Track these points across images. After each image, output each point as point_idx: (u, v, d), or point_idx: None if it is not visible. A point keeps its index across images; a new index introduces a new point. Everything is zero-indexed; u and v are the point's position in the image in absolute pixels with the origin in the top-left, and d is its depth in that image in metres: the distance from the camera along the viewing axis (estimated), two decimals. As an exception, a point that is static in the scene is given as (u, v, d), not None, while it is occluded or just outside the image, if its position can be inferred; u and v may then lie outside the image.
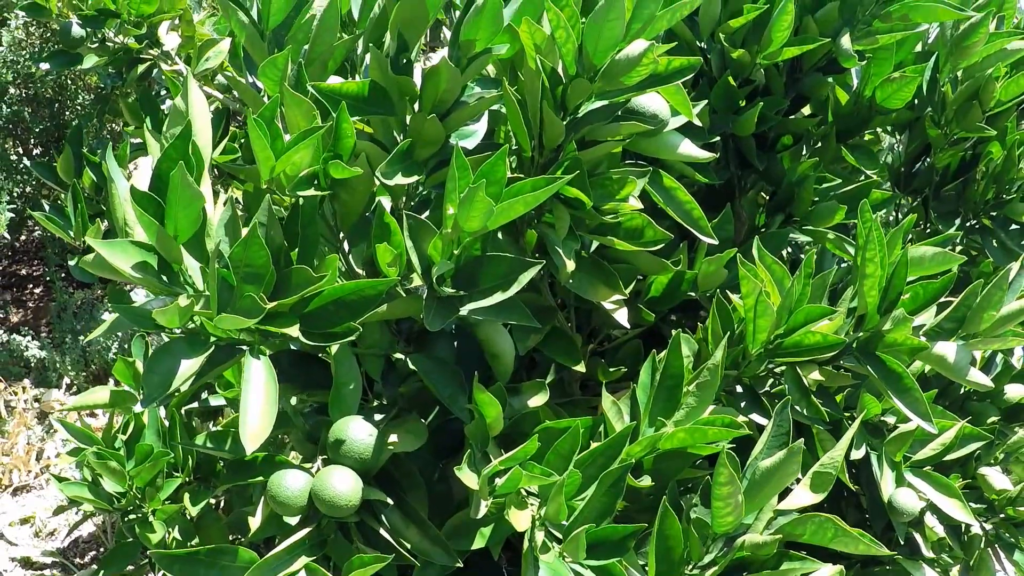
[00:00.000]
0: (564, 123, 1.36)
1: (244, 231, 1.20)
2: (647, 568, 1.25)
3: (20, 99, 4.35)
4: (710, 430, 1.30)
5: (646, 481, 1.33)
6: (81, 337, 4.23)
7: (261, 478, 1.35)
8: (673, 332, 1.47)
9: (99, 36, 2.36)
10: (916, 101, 2.15)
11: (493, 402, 1.27)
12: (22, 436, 4.02)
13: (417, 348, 1.47)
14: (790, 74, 2.02)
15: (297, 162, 1.24)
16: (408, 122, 1.38)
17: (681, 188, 1.60)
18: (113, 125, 4.81)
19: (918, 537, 1.82)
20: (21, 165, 4.39)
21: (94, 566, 3.49)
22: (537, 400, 1.44)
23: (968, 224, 2.25)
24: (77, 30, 2.33)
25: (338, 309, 1.24)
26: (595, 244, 1.60)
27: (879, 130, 2.40)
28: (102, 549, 3.60)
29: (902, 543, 1.76)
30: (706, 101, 1.76)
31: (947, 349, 1.57)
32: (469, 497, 1.35)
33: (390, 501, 1.31)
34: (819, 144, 2.14)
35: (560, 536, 1.28)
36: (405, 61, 1.36)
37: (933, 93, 2.12)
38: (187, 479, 1.98)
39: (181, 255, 1.20)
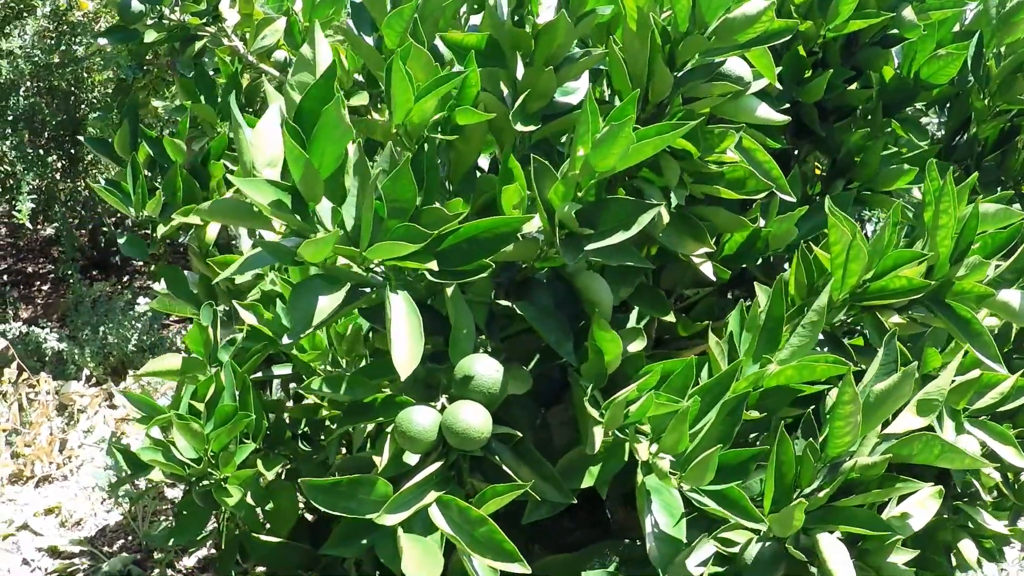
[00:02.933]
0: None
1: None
2: (763, 493, 1.31)
3: (36, 91, 4.37)
4: (818, 367, 1.36)
5: (755, 414, 1.39)
6: (102, 328, 4.24)
7: (381, 418, 1.39)
8: (757, 285, 1.55)
9: (157, 12, 2.39)
10: (957, 77, 2.24)
11: (615, 339, 1.32)
12: (44, 427, 4.03)
13: (518, 297, 1.52)
14: (845, 47, 2.09)
15: (426, 109, 1.29)
16: (521, 75, 1.43)
17: (760, 149, 1.66)
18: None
19: (976, 484, 1.89)
20: (37, 158, 4.40)
21: (124, 554, 3.50)
22: (636, 345, 1.50)
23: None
24: (136, 5, 2.37)
25: (471, 247, 1.29)
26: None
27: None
28: (130, 537, 3.62)
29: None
30: (779, 69, 1.82)
31: (1011, 296, 1.65)
32: (581, 435, 1.40)
33: (519, 434, 1.35)
34: (868, 117, 2.22)
35: (670, 468, 1.33)
36: (517, 17, 1.41)
37: (977, 68, 2.20)
38: (259, 446, 2.02)
39: (321, 192, 1.24)
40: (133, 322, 4.45)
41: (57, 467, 4.00)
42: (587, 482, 1.43)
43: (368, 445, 1.92)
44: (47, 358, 4.50)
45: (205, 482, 1.98)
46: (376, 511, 1.26)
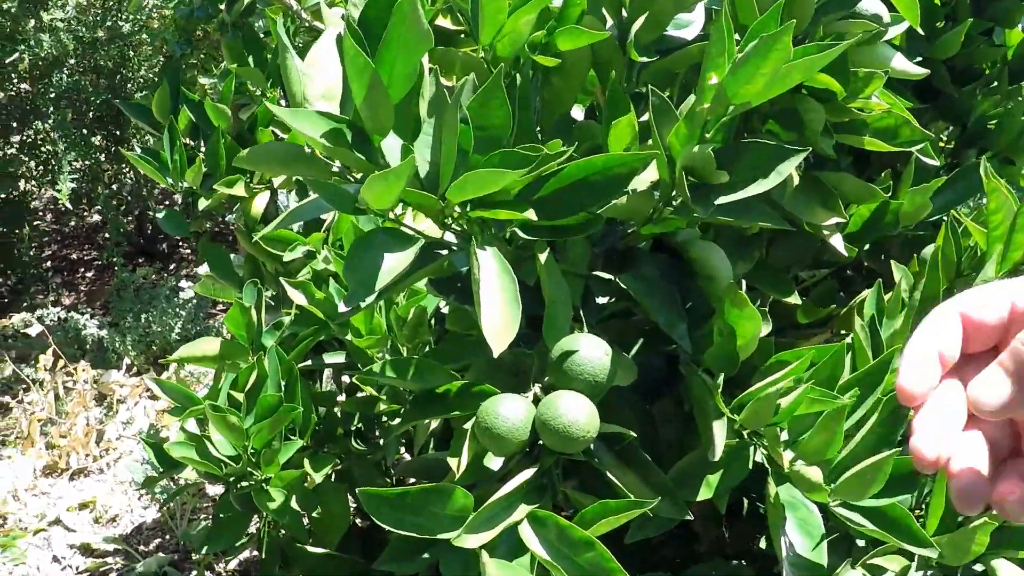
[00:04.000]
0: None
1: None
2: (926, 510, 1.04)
3: (81, 69, 4.18)
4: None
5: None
6: (145, 316, 4.03)
7: (457, 412, 1.14)
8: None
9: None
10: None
11: (753, 316, 1.06)
12: (80, 418, 3.83)
13: (619, 269, 1.26)
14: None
15: (521, 26, 1.04)
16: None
17: (898, 103, 1.40)
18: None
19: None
20: (80, 138, 4.21)
21: (160, 554, 3.29)
22: (763, 330, 1.23)
23: None
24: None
25: (576, 194, 1.03)
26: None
27: None
28: (167, 536, 3.40)
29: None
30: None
31: None
32: (701, 436, 1.14)
33: (632, 434, 1.09)
34: (994, 84, 1.96)
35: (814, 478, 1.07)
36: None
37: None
38: (306, 443, 1.77)
39: (390, 121, 1.00)
40: (177, 310, 4.24)
41: (93, 459, 3.80)
42: (704, 494, 1.17)
43: (431, 445, 1.66)
44: (87, 346, 4.30)
45: (244, 483, 1.74)
46: (453, 529, 1.00)
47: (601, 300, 1.32)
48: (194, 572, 3.21)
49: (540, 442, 1.07)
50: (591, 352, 1.05)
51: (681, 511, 1.15)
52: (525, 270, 1.19)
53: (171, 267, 5.30)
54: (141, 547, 3.37)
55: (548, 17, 1.11)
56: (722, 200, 1.06)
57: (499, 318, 0.95)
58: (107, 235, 4.49)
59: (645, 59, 1.15)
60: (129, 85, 4.32)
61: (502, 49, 1.06)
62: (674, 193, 1.13)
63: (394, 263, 0.99)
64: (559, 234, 1.04)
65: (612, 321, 1.33)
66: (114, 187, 4.65)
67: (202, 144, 2.24)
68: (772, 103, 1.17)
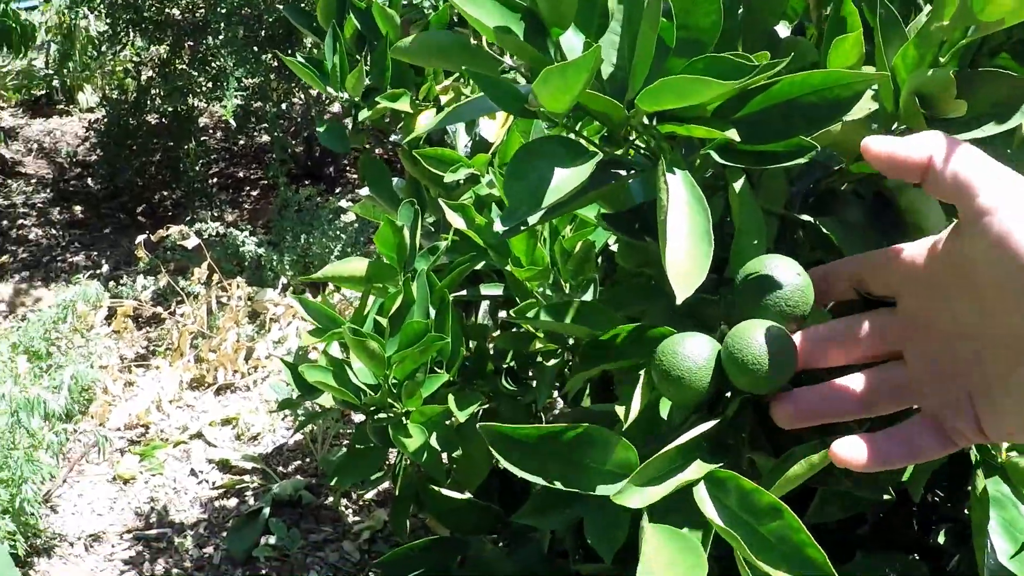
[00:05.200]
0: None
1: None
2: None
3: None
4: None
5: None
6: (304, 236, 3.98)
7: (625, 362, 0.96)
8: None
9: None
10: None
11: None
12: (231, 333, 3.82)
13: (819, 212, 1.06)
14: None
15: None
16: None
17: None
18: None
19: None
20: (251, 54, 4.16)
21: (298, 477, 3.24)
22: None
23: None
24: None
25: (786, 115, 0.84)
26: None
27: None
28: (308, 459, 3.36)
29: None
30: None
31: None
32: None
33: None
34: None
35: None
36: None
37: None
38: (453, 378, 1.63)
39: (573, 11, 0.82)
40: (338, 232, 4.18)
41: (241, 376, 3.79)
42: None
43: (589, 393, 1.49)
44: (245, 263, 4.30)
45: (383, 415, 1.61)
46: (611, 484, 0.82)
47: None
48: (330, 498, 3.16)
49: (727, 394, 0.88)
50: (786, 275, 0.84)
51: (880, 491, 0.94)
52: (713, 203, 1.00)
53: (336, 191, 5.26)
54: (280, 468, 3.33)
55: None
56: (962, 136, 0.84)
57: (687, 256, 0.77)
58: (273, 155, 4.46)
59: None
60: (302, 3, 4.24)
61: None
62: (896, 126, 0.92)
63: (566, 178, 0.82)
64: (762, 161, 0.84)
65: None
66: (283, 107, 4.60)
67: (368, 58, 2.11)
68: (1010, 32, 0.95)
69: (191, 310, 3.90)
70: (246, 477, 3.26)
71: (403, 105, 2.00)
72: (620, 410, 0.95)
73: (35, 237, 5.08)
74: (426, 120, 2.06)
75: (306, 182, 5.04)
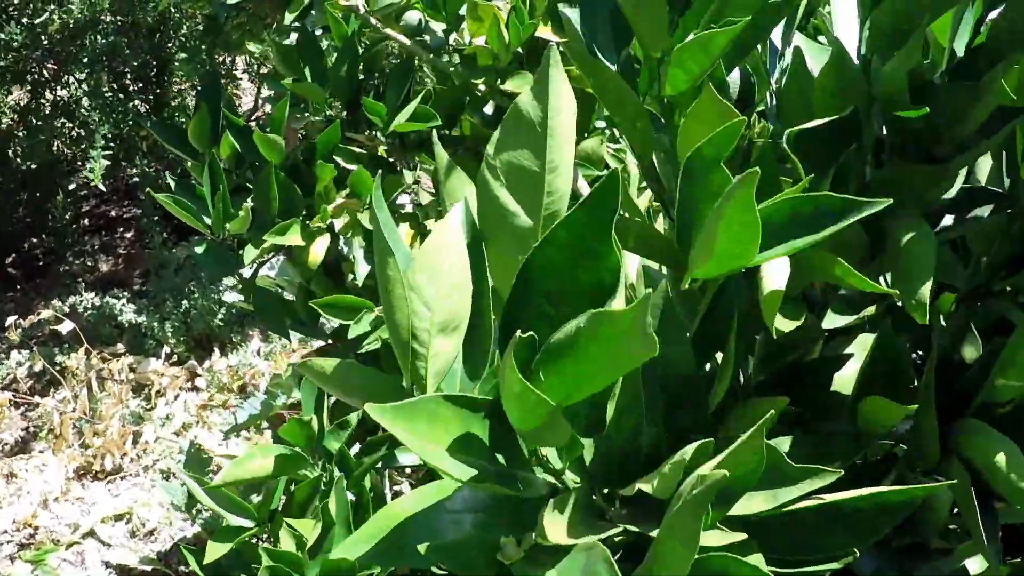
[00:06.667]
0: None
1: None
2: None
3: (117, 28, 3.81)
4: None
5: None
6: (185, 303, 3.72)
7: None
8: None
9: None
10: None
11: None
12: (116, 418, 3.55)
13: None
14: None
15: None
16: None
17: None
18: (225, 59, 4.26)
19: None
20: (117, 103, 3.86)
21: (201, 577, 3.02)
22: None
23: None
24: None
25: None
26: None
27: None
28: (209, 556, 3.13)
29: None
30: None
31: None
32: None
33: None
34: None
35: None
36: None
37: None
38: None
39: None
40: (221, 291, 3.92)
41: (131, 460, 3.53)
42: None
43: None
44: (124, 328, 4.01)
45: None
46: None
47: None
48: (238, 594, 2.95)
49: None
50: None
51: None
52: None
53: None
54: (181, 567, 3.11)
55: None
56: None
57: None
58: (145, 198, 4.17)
59: None
60: (169, 45, 3.95)
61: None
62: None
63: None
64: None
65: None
66: (153, 152, 4.30)
67: (248, 172, 1.89)
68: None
69: (70, 394, 3.61)
70: (146, 582, 3.04)
71: (294, 239, 1.80)
72: None
73: None
74: (320, 249, 1.86)
75: (184, 241, 4.56)
